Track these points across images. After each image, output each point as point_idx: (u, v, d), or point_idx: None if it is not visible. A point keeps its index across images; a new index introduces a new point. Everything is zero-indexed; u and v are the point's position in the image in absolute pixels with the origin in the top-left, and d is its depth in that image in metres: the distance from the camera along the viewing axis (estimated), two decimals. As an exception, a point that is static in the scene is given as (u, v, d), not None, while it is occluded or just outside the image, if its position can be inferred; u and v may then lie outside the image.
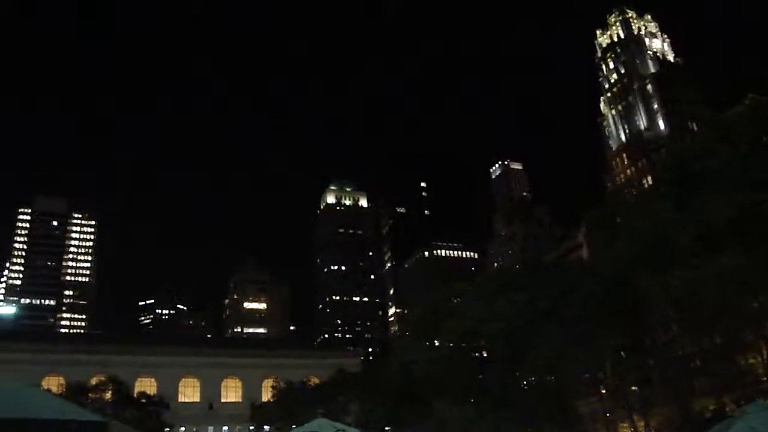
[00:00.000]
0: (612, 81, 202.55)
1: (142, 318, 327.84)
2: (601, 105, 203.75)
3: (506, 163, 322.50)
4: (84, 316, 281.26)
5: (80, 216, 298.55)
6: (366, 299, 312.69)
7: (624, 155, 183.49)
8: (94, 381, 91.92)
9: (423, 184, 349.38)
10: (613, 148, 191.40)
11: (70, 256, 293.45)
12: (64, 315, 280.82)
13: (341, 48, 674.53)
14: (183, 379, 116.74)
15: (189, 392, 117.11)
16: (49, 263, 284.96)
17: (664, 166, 71.44)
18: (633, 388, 56.01)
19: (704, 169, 43.02)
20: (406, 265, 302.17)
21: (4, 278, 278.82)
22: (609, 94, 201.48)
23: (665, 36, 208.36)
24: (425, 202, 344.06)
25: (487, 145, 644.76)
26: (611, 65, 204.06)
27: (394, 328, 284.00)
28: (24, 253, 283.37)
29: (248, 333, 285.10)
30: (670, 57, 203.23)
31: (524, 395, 60.62)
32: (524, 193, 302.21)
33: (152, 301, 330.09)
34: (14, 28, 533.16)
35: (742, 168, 39.42)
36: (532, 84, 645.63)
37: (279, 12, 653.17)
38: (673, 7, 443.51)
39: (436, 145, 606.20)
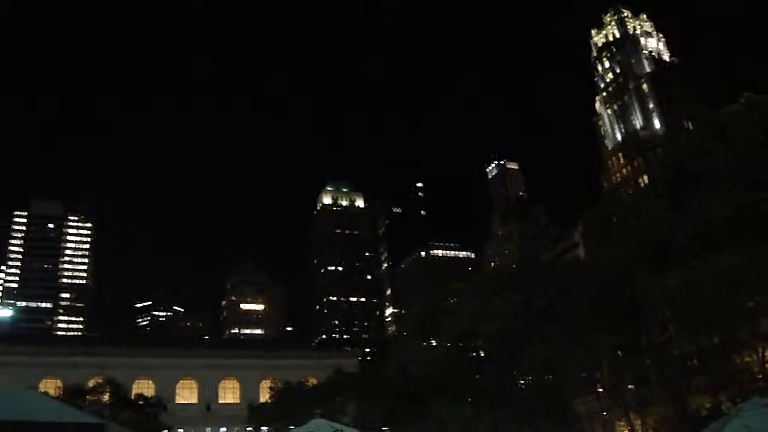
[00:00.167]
0: (607, 80, 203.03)
1: (140, 320, 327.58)
2: (597, 104, 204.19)
3: (502, 162, 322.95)
4: (81, 319, 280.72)
5: (76, 218, 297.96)
6: (363, 299, 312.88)
7: (620, 155, 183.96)
8: (91, 383, 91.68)
9: (419, 184, 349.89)
10: (609, 148, 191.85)
11: (67, 258, 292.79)
12: (61, 317, 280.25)
13: (341, 48, 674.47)
14: (180, 381, 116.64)
15: (186, 394, 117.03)
16: (45, 266, 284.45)
17: (660, 165, 71.66)
18: (630, 386, 56.14)
19: (700, 169, 43.16)
20: (403, 266, 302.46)
21: (1, 281, 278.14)
22: (604, 94, 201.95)
23: (660, 35, 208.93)
24: (422, 202, 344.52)
25: (483, 145, 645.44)
26: (607, 65, 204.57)
27: (392, 328, 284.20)
28: (20, 256, 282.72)
29: (246, 334, 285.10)
30: (666, 56, 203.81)
31: (522, 395, 60.73)
32: (520, 193, 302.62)
33: (149, 303, 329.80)
34: (14, 28, 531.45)
35: (738, 167, 39.55)
36: (527, 84, 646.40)
37: (279, 12, 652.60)
38: (669, 7, 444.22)
39: (432, 145, 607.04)
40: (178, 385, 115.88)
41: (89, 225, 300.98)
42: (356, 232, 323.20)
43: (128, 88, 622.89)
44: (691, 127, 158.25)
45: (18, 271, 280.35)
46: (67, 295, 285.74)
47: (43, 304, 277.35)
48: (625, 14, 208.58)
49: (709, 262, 37.90)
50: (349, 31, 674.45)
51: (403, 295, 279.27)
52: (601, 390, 60.40)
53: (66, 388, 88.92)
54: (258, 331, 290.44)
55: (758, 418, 17.72)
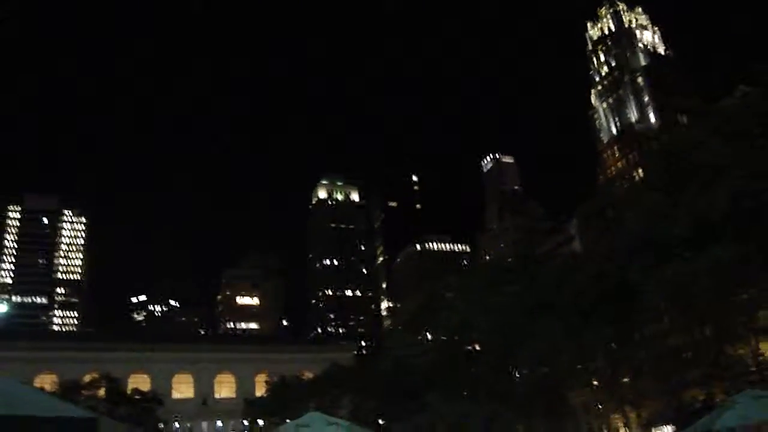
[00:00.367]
0: (603, 74, 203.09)
1: (135, 315, 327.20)
2: (592, 98, 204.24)
3: (497, 156, 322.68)
4: (76, 314, 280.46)
5: (71, 213, 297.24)
6: (358, 293, 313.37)
7: (615, 148, 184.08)
8: (87, 378, 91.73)
9: (414, 178, 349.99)
10: (605, 141, 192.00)
11: (62, 253, 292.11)
12: (56, 313, 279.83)
13: (340, 47, 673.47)
14: (176, 375, 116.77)
15: (183, 388, 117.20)
16: (40, 261, 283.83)
17: (655, 158, 71.75)
18: (624, 379, 56.27)
19: (695, 161, 43.22)
20: (398, 259, 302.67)
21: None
22: (600, 87, 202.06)
23: (656, 28, 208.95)
24: (417, 195, 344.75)
25: (478, 139, 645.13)
26: (602, 58, 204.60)
27: (387, 322, 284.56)
28: (15, 251, 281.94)
29: (241, 328, 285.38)
30: (661, 49, 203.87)
31: (517, 388, 60.86)
32: (516, 187, 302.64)
33: (145, 297, 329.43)
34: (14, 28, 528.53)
35: (733, 159, 39.60)
36: (523, 78, 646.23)
37: (280, 11, 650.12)
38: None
39: (427, 139, 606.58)
40: (174, 380, 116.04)
41: (84, 219, 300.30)
42: (351, 226, 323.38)
43: (126, 86, 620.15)
44: (686, 121, 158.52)
45: (12, 266, 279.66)
46: (62, 290, 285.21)
47: (38, 299, 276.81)
48: (621, 7, 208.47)
49: (704, 254, 37.97)
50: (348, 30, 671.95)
51: (399, 289, 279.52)
52: (596, 383, 60.58)
53: (62, 383, 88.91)
54: (253, 326, 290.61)
55: (752, 409, 17.83)
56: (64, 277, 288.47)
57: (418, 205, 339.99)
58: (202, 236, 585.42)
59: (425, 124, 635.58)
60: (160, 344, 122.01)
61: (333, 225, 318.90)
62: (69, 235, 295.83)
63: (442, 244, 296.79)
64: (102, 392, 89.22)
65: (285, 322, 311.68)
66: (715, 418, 19.42)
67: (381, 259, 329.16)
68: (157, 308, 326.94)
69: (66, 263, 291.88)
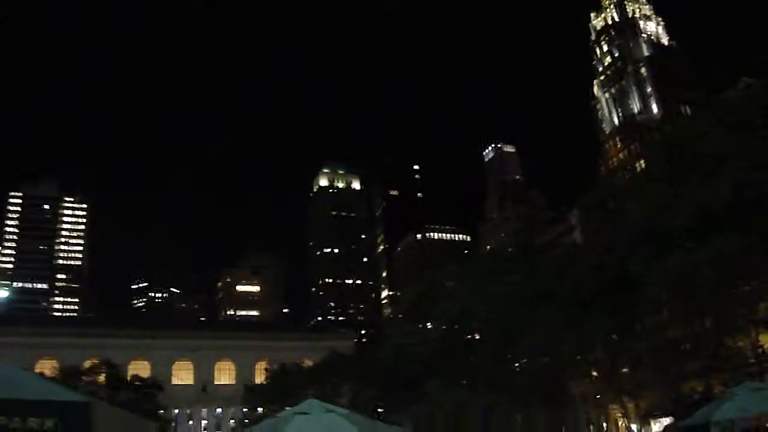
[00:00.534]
0: (606, 64, 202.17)
1: (136, 301, 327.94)
2: (595, 88, 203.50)
3: (499, 146, 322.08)
4: (77, 300, 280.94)
5: (72, 199, 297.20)
6: (359, 282, 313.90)
7: (617, 138, 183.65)
8: (87, 364, 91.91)
9: (416, 167, 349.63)
10: (607, 132, 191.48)
11: (62, 239, 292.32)
12: (57, 299, 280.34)
13: (340, 47, 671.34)
14: (176, 362, 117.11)
15: (183, 375, 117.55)
16: (41, 247, 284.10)
17: (658, 148, 71.54)
18: (624, 370, 56.37)
19: (698, 152, 43.08)
20: (399, 248, 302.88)
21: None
22: (602, 78, 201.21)
23: (660, 19, 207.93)
24: (418, 184, 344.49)
25: (480, 128, 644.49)
26: (605, 48, 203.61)
27: (387, 310, 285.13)
28: (16, 237, 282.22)
29: (241, 315, 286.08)
30: (665, 40, 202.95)
31: (517, 377, 60.97)
32: (517, 176, 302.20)
33: (146, 284, 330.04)
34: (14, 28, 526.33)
35: (736, 150, 39.47)
36: (525, 67, 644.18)
37: (280, 11, 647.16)
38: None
39: (429, 128, 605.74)
40: (174, 366, 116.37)
41: (85, 206, 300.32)
42: (352, 215, 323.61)
43: (127, 87, 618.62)
44: (689, 112, 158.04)
45: (14, 252, 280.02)
46: (63, 276, 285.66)
47: (39, 285, 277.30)
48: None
49: (706, 245, 37.90)
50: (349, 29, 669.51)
51: (399, 278, 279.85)
52: (595, 374, 60.70)
53: (62, 369, 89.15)
54: (254, 313, 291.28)
55: (751, 401, 17.81)
56: (65, 263, 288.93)
57: (419, 194, 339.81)
58: (204, 223, 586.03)
59: (426, 118, 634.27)
60: (161, 331, 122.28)
61: (334, 213, 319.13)
62: (70, 221, 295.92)
63: (443, 234, 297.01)
64: (102, 378, 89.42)
65: (285, 310, 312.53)
66: (713, 409, 19.40)
67: (381, 247, 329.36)
68: (158, 295, 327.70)
69: (67, 249, 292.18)
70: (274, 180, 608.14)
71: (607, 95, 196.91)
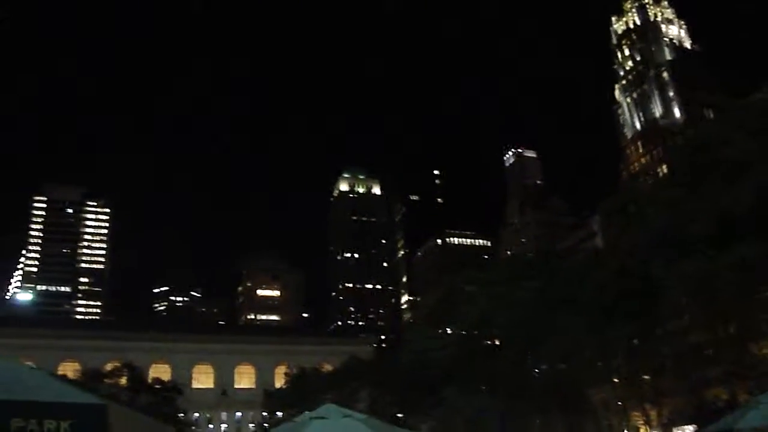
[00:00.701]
0: (627, 68, 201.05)
1: (157, 305, 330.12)
2: (616, 92, 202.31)
3: (520, 150, 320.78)
4: (99, 303, 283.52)
5: (95, 204, 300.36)
6: (379, 287, 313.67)
7: (639, 143, 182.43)
8: (109, 367, 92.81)
9: (436, 172, 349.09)
10: (628, 136, 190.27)
11: (85, 243, 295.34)
12: (80, 302, 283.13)
13: (348, 43, 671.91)
14: (197, 366, 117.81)
15: (203, 378, 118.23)
16: (64, 250, 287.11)
17: (680, 153, 70.94)
18: (645, 377, 55.81)
19: (720, 157, 42.66)
20: (419, 253, 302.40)
21: (21, 266, 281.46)
22: (624, 82, 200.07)
23: (682, 22, 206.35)
24: (438, 189, 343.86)
25: (500, 133, 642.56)
26: (626, 52, 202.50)
27: (407, 315, 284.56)
28: (40, 241, 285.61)
29: (262, 320, 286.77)
30: (687, 44, 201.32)
31: (536, 383, 60.60)
32: (538, 181, 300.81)
33: (167, 288, 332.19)
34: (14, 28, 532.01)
35: (759, 155, 39.04)
36: (546, 71, 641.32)
37: (284, 11, 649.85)
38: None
39: (449, 132, 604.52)
40: (194, 370, 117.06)
41: (107, 210, 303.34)
42: (373, 219, 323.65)
43: (142, 78, 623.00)
44: (711, 116, 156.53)
45: (38, 256, 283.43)
46: (86, 280, 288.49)
47: (62, 288, 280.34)
48: (646, 1, 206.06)
49: (727, 251, 37.47)
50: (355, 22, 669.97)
51: (419, 283, 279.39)
52: (616, 380, 60.16)
53: (84, 371, 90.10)
54: (274, 318, 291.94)
55: (775, 409, 17.53)
56: (88, 267, 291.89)
57: (439, 199, 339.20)
58: (225, 228, 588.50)
59: (446, 123, 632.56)
60: (181, 334, 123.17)
61: (354, 218, 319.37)
62: (92, 225, 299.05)
63: (463, 239, 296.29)
64: (124, 381, 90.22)
65: (305, 315, 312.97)
66: (738, 417, 19.11)
67: (401, 252, 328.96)
68: (179, 299, 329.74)
69: (89, 253, 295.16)
70: (290, 167, 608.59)
71: (628, 99, 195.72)
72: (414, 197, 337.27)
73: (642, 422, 62.04)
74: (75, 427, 5.68)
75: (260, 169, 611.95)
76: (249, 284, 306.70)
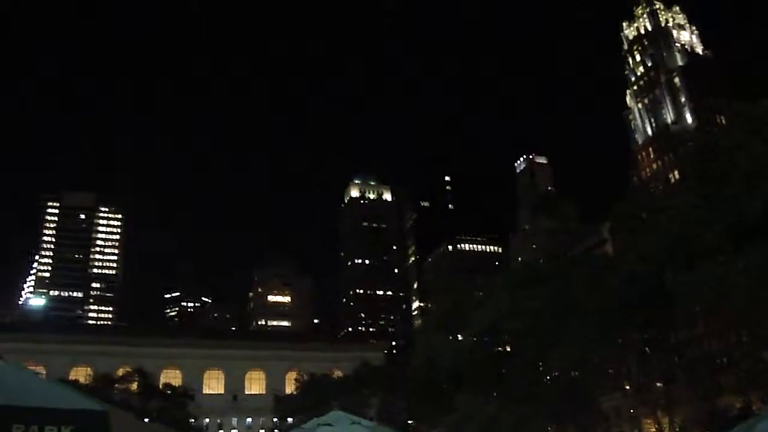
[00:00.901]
0: (638, 74, 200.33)
1: (168, 310, 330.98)
2: (627, 98, 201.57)
3: (531, 157, 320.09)
4: (110, 308, 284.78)
5: (107, 210, 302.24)
6: (390, 293, 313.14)
7: (650, 149, 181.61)
8: (120, 372, 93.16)
9: (447, 178, 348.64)
10: (639, 142, 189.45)
11: (98, 249, 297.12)
12: (91, 307, 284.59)
13: (357, 47, 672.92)
14: (207, 371, 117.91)
15: (213, 384, 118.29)
16: (76, 256, 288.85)
17: (692, 159, 70.53)
18: (658, 384, 55.44)
19: (732, 163, 42.40)
20: (430, 259, 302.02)
21: (34, 270, 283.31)
22: (635, 87, 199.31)
23: (693, 28, 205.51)
24: (449, 195, 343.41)
25: (511, 139, 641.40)
26: (638, 58, 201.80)
27: (418, 321, 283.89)
28: (53, 246, 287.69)
29: (272, 326, 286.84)
30: (699, 49, 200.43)
31: (548, 391, 60.27)
32: (549, 188, 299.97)
33: (178, 293, 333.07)
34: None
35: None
36: (557, 77, 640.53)
37: (289, 11, 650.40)
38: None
39: (461, 139, 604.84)
40: (205, 376, 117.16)
41: (120, 216, 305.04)
42: (383, 226, 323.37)
43: (153, 86, 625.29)
44: (723, 122, 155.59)
45: (50, 261, 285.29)
46: (98, 285, 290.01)
47: (75, 294, 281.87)
48: (658, 6, 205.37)
49: (740, 258, 37.18)
50: (362, 25, 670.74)
51: (430, 289, 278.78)
52: (628, 387, 59.80)
53: (96, 377, 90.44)
54: (285, 323, 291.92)
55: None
56: (100, 272, 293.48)
57: (450, 206, 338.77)
58: (236, 234, 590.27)
59: (458, 130, 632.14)
60: (192, 340, 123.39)
61: (365, 224, 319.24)
62: (105, 231, 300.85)
63: (474, 245, 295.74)
64: (135, 386, 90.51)
65: (316, 321, 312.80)
66: (751, 426, 18.87)
67: (412, 258, 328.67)
68: (189, 304, 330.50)
69: (101, 258, 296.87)
70: (298, 174, 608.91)
71: (640, 105, 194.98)
72: (425, 203, 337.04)
73: (654, 430, 61.62)
74: (75, 433, 5.67)
75: (271, 174, 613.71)
76: (260, 290, 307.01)
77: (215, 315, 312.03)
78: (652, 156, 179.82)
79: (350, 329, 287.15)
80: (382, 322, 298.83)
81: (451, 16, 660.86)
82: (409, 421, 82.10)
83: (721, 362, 51.08)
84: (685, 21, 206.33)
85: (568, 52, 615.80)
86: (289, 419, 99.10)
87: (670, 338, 52.25)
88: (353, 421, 10.73)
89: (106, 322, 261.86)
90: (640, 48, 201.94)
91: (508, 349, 70.47)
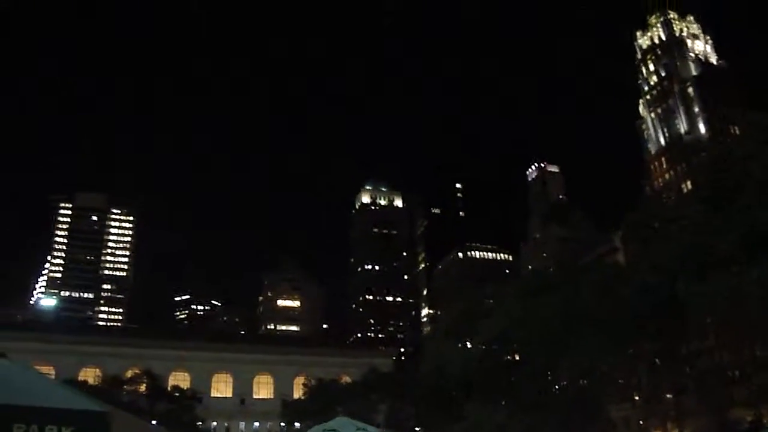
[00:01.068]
0: (652, 83, 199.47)
1: (178, 313, 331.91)
2: (640, 107, 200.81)
3: (543, 165, 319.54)
4: (121, 310, 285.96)
5: (119, 211, 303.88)
6: (399, 299, 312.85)
7: (663, 159, 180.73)
8: (129, 374, 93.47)
9: (458, 185, 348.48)
10: (652, 152, 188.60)
11: (109, 250, 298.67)
12: (102, 308, 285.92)
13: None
14: (216, 374, 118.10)
15: (221, 387, 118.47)
16: (88, 257, 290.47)
17: (705, 169, 70.12)
18: (668, 395, 55.05)
19: (747, 173, 42.09)
20: (440, 266, 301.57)
21: (46, 271, 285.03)
22: (648, 97, 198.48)
23: (708, 37, 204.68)
24: (460, 203, 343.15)
25: (523, 147, 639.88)
26: (651, 67, 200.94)
27: (427, 328, 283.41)
28: (64, 247, 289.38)
29: (281, 330, 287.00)
30: (713, 59, 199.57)
31: (557, 400, 59.97)
32: (560, 196, 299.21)
33: (188, 296, 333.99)
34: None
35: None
36: (569, 86, 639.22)
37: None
38: (717, 7, 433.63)
39: (472, 146, 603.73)
40: (213, 379, 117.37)
41: (132, 218, 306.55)
42: (394, 232, 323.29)
43: (162, 87, 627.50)
44: (737, 132, 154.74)
45: (62, 262, 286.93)
46: (109, 287, 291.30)
47: (85, 295, 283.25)
48: (672, 16, 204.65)
49: (754, 268, 36.87)
50: (372, 29, 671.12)
51: (440, 296, 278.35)
52: (637, 398, 59.40)
53: (105, 378, 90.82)
54: (294, 328, 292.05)
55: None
56: (111, 274, 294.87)
57: (461, 213, 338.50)
58: (246, 238, 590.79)
59: (470, 137, 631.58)
60: (201, 343, 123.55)
61: (376, 230, 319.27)
62: (116, 232, 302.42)
63: (485, 252, 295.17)
64: (143, 388, 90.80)
65: (325, 326, 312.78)
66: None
67: (423, 265, 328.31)
68: (199, 307, 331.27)
69: (113, 260, 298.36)
70: (309, 179, 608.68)
71: (653, 114, 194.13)
72: (436, 210, 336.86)
73: (664, 442, 61.18)
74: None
75: (272, 175, 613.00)
76: (270, 294, 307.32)
77: (224, 318, 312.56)
78: (664, 166, 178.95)
79: (359, 335, 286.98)
80: (392, 329, 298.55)
81: (451, 16, 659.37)
82: (417, 429, 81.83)
83: (733, 375, 50.60)
84: (699, 31, 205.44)
85: (569, 52, 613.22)
86: (297, 424, 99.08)
87: (681, 349, 51.86)
88: (358, 427, 10.66)
89: (116, 324, 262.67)
90: (653, 57, 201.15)
91: (517, 358, 70.23)
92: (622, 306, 47.91)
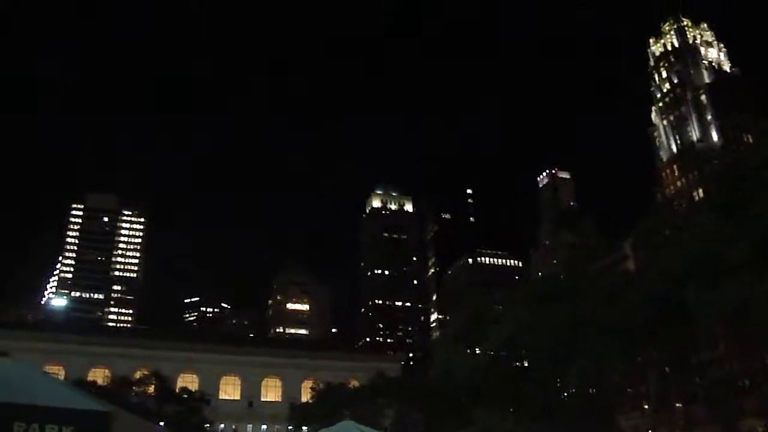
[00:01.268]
0: (664, 90, 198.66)
1: (187, 315, 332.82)
2: (653, 115, 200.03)
3: (554, 171, 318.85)
4: (130, 311, 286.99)
5: (130, 213, 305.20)
6: (408, 304, 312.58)
7: (675, 166, 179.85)
8: (138, 375, 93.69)
9: (469, 191, 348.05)
10: (664, 159, 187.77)
11: (120, 251, 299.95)
12: (112, 309, 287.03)
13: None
14: (224, 377, 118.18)
15: (230, 390, 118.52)
16: (99, 258, 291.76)
17: (716, 177, 69.73)
18: (677, 404, 54.69)
19: (760, 181, 41.80)
20: (450, 271, 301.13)
21: (57, 272, 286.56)
22: (661, 104, 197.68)
23: (721, 45, 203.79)
24: (471, 208, 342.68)
25: (534, 153, 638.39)
26: (664, 74, 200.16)
27: (436, 333, 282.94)
28: (76, 248, 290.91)
29: (290, 333, 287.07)
30: (726, 67, 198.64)
31: (564, 407, 59.68)
32: (571, 203, 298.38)
33: (197, 298, 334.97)
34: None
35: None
36: (581, 92, 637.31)
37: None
38: (732, 15, 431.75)
39: (483, 152, 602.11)
40: (221, 381, 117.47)
41: (142, 220, 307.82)
42: (404, 237, 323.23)
43: (169, 89, 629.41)
44: (750, 140, 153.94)
45: (73, 263, 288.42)
46: (119, 288, 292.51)
47: (96, 295, 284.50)
48: (685, 23, 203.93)
49: (766, 276, 36.61)
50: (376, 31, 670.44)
51: (449, 301, 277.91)
52: (647, 407, 59.04)
53: (114, 379, 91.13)
54: (302, 332, 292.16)
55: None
56: (121, 275, 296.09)
57: (471, 218, 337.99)
58: (255, 241, 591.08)
59: (480, 142, 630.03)
60: (210, 345, 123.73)
61: (386, 234, 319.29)
62: (127, 234, 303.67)
63: (495, 258, 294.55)
64: (152, 389, 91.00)
65: (334, 330, 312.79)
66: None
67: (432, 270, 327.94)
68: (209, 310, 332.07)
69: (123, 261, 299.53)
70: (317, 183, 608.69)
71: (665, 122, 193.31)
72: (446, 215, 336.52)
73: (673, 451, 60.73)
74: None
75: (272, 175, 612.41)
76: (279, 297, 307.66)
77: (234, 321, 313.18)
78: (676, 173, 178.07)
79: (368, 339, 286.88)
80: (400, 333, 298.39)
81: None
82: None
83: (743, 384, 50.20)
84: (713, 38, 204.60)
85: (594, 68, 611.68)
86: (304, 428, 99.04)
87: (692, 358, 51.53)
88: (362, 431, 10.63)
89: (125, 325, 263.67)
90: (666, 65, 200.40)
91: (526, 364, 69.97)
92: (631, 313, 47.64)
